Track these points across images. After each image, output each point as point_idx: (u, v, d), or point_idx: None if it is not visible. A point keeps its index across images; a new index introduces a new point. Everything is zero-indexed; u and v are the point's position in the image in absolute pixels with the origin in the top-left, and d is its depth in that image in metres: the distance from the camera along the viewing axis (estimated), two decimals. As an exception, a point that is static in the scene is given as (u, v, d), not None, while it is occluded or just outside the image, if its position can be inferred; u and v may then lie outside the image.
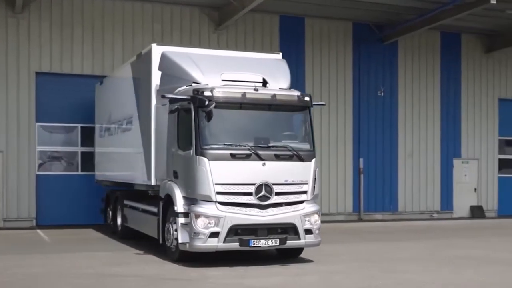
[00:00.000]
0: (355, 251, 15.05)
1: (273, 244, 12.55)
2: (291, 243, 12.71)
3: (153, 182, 14.07)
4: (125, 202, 16.89)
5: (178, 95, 12.76)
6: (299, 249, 13.55)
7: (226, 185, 12.24)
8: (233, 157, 12.32)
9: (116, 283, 10.88)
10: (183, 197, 12.69)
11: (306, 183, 12.81)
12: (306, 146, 13.08)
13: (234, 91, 12.58)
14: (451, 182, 25.64)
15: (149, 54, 14.32)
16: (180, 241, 12.55)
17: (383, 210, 24.34)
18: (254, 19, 23.35)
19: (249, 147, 12.44)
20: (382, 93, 24.60)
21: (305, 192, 12.80)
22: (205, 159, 12.17)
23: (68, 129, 21.77)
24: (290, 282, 11.16)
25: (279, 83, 13.45)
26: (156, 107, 14.00)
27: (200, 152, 12.22)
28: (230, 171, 12.30)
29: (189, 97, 12.51)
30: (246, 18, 22.85)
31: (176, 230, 12.82)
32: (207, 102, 12.17)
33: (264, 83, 13.24)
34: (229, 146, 12.41)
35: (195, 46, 21.12)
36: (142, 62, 14.96)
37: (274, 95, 12.78)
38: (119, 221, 17.73)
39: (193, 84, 12.99)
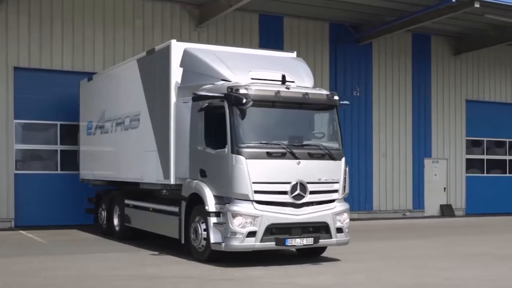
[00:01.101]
0: (366, 250, 15.11)
1: (308, 243, 12.50)
2: (323, 241, 12.70)
3: (172, 181, 13.76)
4: (127, 201, 16.45)
5: (211, 93, 12.51)
6: (322, 248, 13.53)
7: (263, 184, 12.11)
8: (269, 155, 12.20)
9: (173, 284, 10.58)
10: (214, 196, 12.47)
11: (337, 182, 12.83)
12: (335, 145, 13.09)
13: (268, 89, 12.47)
14: (422, 181, 26.17)
15: (166, 50, 13.99)
16: (212, 241, 12.33)
17: (359, 209, 24.58)
18: (235, 18, 23.24)
19: (284, 146, 12.35)
20: (358, 93, 24.87)
21: (336, 191, 12.81)
22: (242, 157, 12.00)
23: (47, 127, 21.11)
24: (344, 280, 11.11)
25: (305, 82, 13.42)
26: (176, 105, 13.69)
27: (237, 151, 12.04)
28: (266, 170, 12.18)
29: (222, 95, 12.30)
30: (226, 16, 22.71)
31: (205, 230, 12.60)
32: (244, 100, 11.99)
33: (291, 82, 13.14)
34: (265, 144, 12.28)
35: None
36: (157, 59, 14.61)
37: (306, 93, 12.74)
38: (116, 221, 17.28)
39: (222, 82, 12.79)
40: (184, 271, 11.77)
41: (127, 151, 16.31)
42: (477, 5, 20.26)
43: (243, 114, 12.14)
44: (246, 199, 12.03)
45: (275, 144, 12.35)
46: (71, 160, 20.80)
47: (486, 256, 14.26)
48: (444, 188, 26.68)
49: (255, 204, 12.06)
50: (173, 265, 12.51)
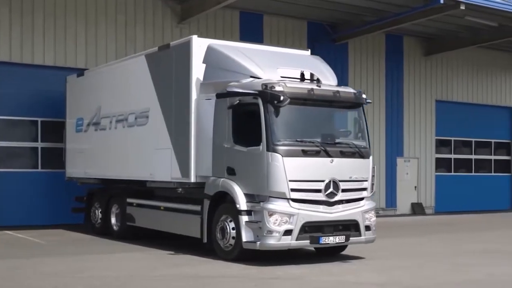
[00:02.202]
0: (375, 248, 14.89)
1: (339, 241, 12.50)
2: (353, 239, 12.71)
3: (192, 179, 13.49)
4: (129, 200, 16.05)
5: (244, 89, 12.34)
6: (342, 247, 13.51)
7: (298, 182, 12.02)
8: (305, 153, 12.14)
9: (229, 284, 10.38)
10: (244, 194, 12.31)
11: (366, 180, 12.86)
12: (363, 143, 13.14)
13: (302, 87, 12.41)
14: (395, 180, 26.54)
15: (186, 46, 13.71)
16: (244, 239, 12.16)
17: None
18: (216, 14, 23.03)
19: (318, 144, 12.31)
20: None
21: (365, 189, 12.85)
22: (278, 155, 11.88)
23: (27, 124, 20.42)
24: (392, 277, 11.10)
25: (329, 80, 13.40)
26: (197, 101, 13.43)
27: (273, 149, 11.90)
28: (302, 168, 12.10)
29: (256, 92, 12.15)
30: (208, 13, 22.48)
31: (233, 229, 12.43)
32: (282, 98, 11.87)
33: (318, 80, 13.09)
34: (300, 142, 12.20)
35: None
36: (173, 54, 14.27)
37: (337, 91, 12.74)
38: (113, 220, 16.86)
39: (251, 79, 12.64)
40: (222, 270, 11.53)
41: (132, 148, 15.89)
42: (462, 7, 20.61)
43: (278, 112, 12.02)
44: (282, 197, 11.91)
45: (309, 142, 12.30)
46: (53, 158, 20.17)
47: (498, 253, 14.58)
48: (415, 187, 27.15)
49: (290, 202, 11.95)
50: (205, 264, 12.24)
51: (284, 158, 11.89)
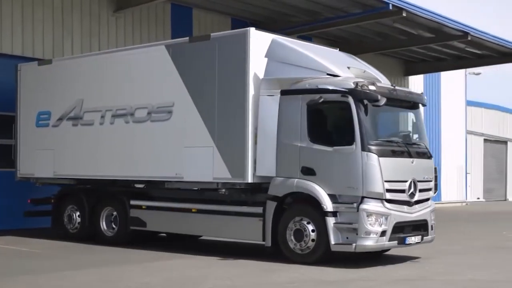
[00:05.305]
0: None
1: (417, 241, 12.54)
2: (425, 238, 12.82)
3: (249, 180, 12.76)
4: (134, 202, 14.74)
5: (332, 87, 11.96)
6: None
7: (390, 182, 11.90)
8: (393, 153, 12.07)
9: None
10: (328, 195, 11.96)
11: (431, 180, 13.05)
12: (425, 143, 13.30)
13: (385, 87, 12.34)
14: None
15: (241, 38, 12.92)
16: (333, 242, 11.79)
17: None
18: (149, 6, 21.92)
19: (402, 144, 12.31)
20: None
21: (431, 189, 13.03)
22: (374, 155, 11.68)
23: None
24: (486, 276, 11.36)
25: (383, 80, 13.44)
26: (254, 97, 12.73)
27: (368, 148, 11.67)
28: (391, 168, 11.98)
29: (346, 90, 11.83)
30: (142, 5, 21.40)
31: (313, 231, 12.02)
32: (379, 97, 11.69)
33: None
34: (389, 142, 12.15)
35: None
36: (217, 46, 13.36)
37: (410, 91, 12.86)
38: (103, 225, 15.40)
39: (328, 77, 12.33)
40: (319, 275, 11.03)
41: (142, 146, 14.57)
42: (404, 14, 21.48)
43: (368, 111, 11.82)
44: (379, 197, 11.73)
45: (396, 142, 12.29)
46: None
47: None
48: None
49: (384, 202, 11.81)
50: (288, 270, 11.50)
51: (379, 158, 11.72)
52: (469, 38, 24.50)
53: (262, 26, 24.44)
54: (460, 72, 36.34)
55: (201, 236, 15.78)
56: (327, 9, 22.78)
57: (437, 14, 22.75)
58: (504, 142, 49.65)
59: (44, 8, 19.36)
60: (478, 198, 44.42)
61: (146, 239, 15.41)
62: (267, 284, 10.34)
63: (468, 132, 39.70)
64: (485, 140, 46.61)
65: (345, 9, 22.46)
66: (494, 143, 48.11)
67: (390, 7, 20.98)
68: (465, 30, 24.24)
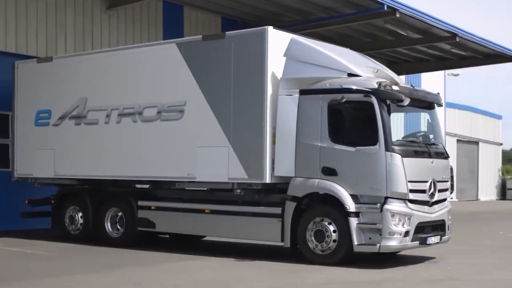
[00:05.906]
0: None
1: (437, 241, 12.55)
2: (443, 238, 12.82)
3: (267, 180, 12.62)
4: (142, 203, 14.49)
5: (356, 86, 11.89)
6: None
7: (413, 183, 11.88)
8: (415, 153, 12.06)
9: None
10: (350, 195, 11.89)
11: (448, 181, 13.06)
12: (442, 143, 13.31)
13: (405, 87, 12.33)
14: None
15: (259, 37, 12.77)
16: (356, 242, 11.72)
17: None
18: (142, 3, 21.66)
19: (423, 144, 12.31)
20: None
21: (448, 189, 13.04)
22: (398, 155, 11.63)
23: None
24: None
25: (398, 79, 13.40)
26: (272, 96, 12.60)
27: (392, 149, 11.62)
28: (414, 168, 11.95)
29: (370, 90, 11.77)
30: (134, 2, 21.13)
31: (334, 231, 11.94)
32: (403, 97, 11.65)
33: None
34: (411, 142, 12.14)
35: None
36: (233, 45, 13.17)
37: (428, 92, 12.85)
38: (108, 226, 15.11)
39: (348, 77, 12.28)
40: (346, 276, 10.94)
41: (150, 145, 14.30)
42: (398, 15, 21.51)
43: (391, 111, 11.78)
44: (403, 198, 11.69)
45: (417, 142, 12.28)
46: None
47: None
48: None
49: (407, 203, 11.78)
50: (311, 271, 11.47)
51: (403, 158, 11.68)
52: (457, 40, 24.62)
53: (253, 25, 24.35)
54: (440, 73, 36.65)
55: (205, 236, 15.62)
56: (320, 9, 22.64)
57: (428, 15, 22.82)
58: (476, 142, 50.34)
59: (38, 5, 19.00)
60: (452, 198, 44.82)
61: (151, 240, 15.15)
62: (302, 286, 10.20)
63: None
64: (457, 140, 47.17)
65: (338, 10, 22.36)
66: (466, 143, 48.74)
67: (385, 8, 20.96)
68: (454, 32, 24.36)
